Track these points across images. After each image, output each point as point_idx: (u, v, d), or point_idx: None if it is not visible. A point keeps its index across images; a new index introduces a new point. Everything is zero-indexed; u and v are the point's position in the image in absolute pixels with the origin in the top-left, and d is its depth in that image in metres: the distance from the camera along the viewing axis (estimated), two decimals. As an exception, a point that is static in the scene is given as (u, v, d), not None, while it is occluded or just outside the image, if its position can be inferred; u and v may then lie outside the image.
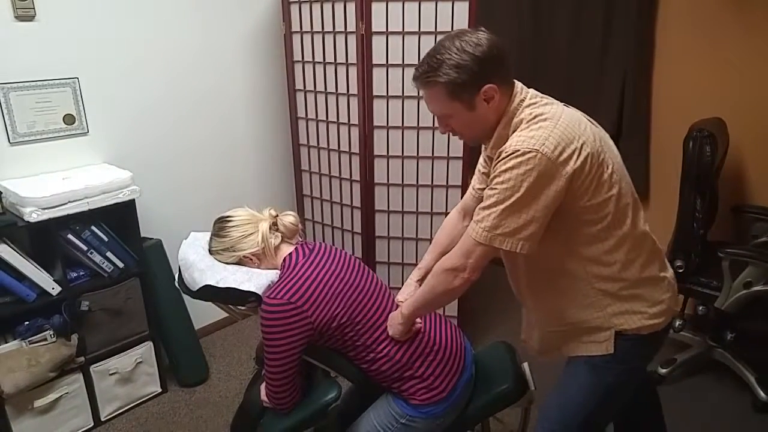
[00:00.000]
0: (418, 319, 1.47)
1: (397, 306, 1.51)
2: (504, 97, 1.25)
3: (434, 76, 1.21)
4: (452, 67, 1.19)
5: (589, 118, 1.32)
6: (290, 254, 1.48)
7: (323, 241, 2.90)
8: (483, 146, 1.44)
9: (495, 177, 1.20)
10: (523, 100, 1.26)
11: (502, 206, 1.18)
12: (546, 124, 1.19)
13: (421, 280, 1.57)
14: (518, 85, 1.28)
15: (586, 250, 1.27)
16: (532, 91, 1.30)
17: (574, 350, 1.37)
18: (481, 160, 1.50)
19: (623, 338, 1.30)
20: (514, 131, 1.24)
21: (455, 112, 1.25)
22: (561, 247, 1.28)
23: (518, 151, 1.16)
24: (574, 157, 1.17)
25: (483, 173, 1.50)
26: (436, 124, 2.36)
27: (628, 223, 1.26)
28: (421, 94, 1.32)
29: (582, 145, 1.19)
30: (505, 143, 1.23)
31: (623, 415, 1.70)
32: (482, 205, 1.22)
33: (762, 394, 2.22)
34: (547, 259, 1.30)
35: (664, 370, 2.40)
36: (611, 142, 1.31)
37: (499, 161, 1.20)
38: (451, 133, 1.32)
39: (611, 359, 1.32)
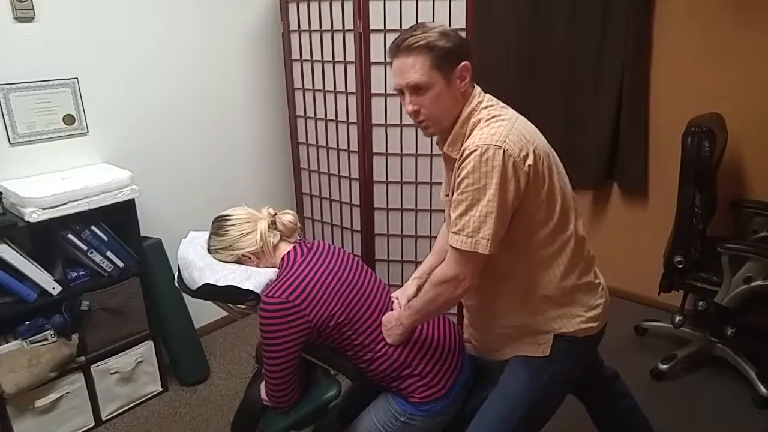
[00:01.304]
0: None
1: (391, 303, 1.52)
2: (470, 88, 1.31)
3: (424, 39, 1.24)
4: (440, 34, 1.25)
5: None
6: (288, 253, 1.48)
7: (323, 239, 2.90)
8: (439, 146, 1.42)
9: (462, 179, 1.22)
10: (480, 102, 1.31)
11: (478, 208, 1.20)
12: (505, 123, 1.24)
13: (419, 279, 1.57)
14: (477, 88, 1.34)
15: (534, 254, 1.31)
16: (488, 95, 1.35)
17: (513, 351, 1.41)
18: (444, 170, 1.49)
19: (560, 340, 1.34)
20: (472, 130, 1.27)
21: (434, 83, 1.26)
22: (511, 251, 1.30)
23: (482, 147, 1.19)
24: (531, 155, 1.22)
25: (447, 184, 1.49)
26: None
27: (571, 227, 1.32)
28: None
29: (536, 146, 1.24)
30: (461, 142, 1.27)
31: (600, 420, 1.72)
32: (457, 212, 1.23)
33: (762, 389, 2.22)
34: (496, 263, 1.31)
35: (664, 366, 2.40)
36: (555, 154, 1.35)
37: (463, 161, 1.22)
38: (414, 117, 1.31)
39: (546, 359, 1.35)
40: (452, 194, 1.28)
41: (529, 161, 1.21)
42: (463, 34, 1.28)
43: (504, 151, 1.18)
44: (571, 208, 1.33)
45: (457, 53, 1.25)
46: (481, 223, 1.20)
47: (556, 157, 1.34)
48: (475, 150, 1.19)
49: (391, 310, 1.50)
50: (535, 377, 1.37)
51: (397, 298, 1.54)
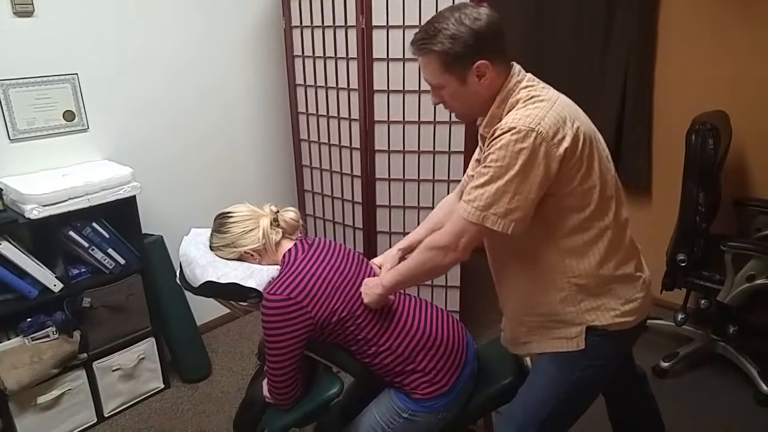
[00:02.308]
0: (415, 310, 1.49)
1: (369, 269, 1.54)
2: (499, 77, 1.25)
3: (429, 44, 1.22)
4: (448, 37, 1.20)
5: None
6: (290, 250, 1.48)
7: (325, 236, 2.90)
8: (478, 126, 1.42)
9: (489, 154, 1.19)
10: (519, 82, 1.26)
11: (495, 184, 1.17)
12: (543, 105, 1.20)
13: (404, 250, 1.57)
14: (516, 67, 1.29)
15: (568, 240, 1.27)
16: (529, 75, 1.30)
17: (544, 347, 1.37)
18: (476, 151, 1.49)
19: (591, 333, 1.30)
20: (510, 111, 1.24)
21: (447, 84, 1.26)
22: (543, 236, 1.27)
23: (514, 128, 1.16)
24: (568, 138, 1.18)
25: (476, 160, 1.48)
26: (438, 119, 2.39)
27: (610, 215, 1.27)
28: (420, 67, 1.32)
29: (577, 128, 1.20)
30: (498, 122, 1.23)
31: (618, 417, 1.70)
32: (475, 183, 1.21)
33: (764, 387, 2.22)
34: (528, 247, 1.30)
35: (666, 364, 2.40)
36: (600, 137, 1.32)
37: (494, 138, 1.19)
38: (442, 105, 1.32)
39: (575, 354, 1.31)
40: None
41: (565, 144, 1.17)
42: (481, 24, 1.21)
43: (537, 134, 1.15)
44: (612, 195, 1.27)
45: (468, 55, 1.20)
46: (495, 200, 1.18)
47: (601, 142, 1.30)
48: (507, 130, 1.17)
49: (395, 303, 1.49)
50: (565, 372, 1.33)
51: (379, 266, 1.54)
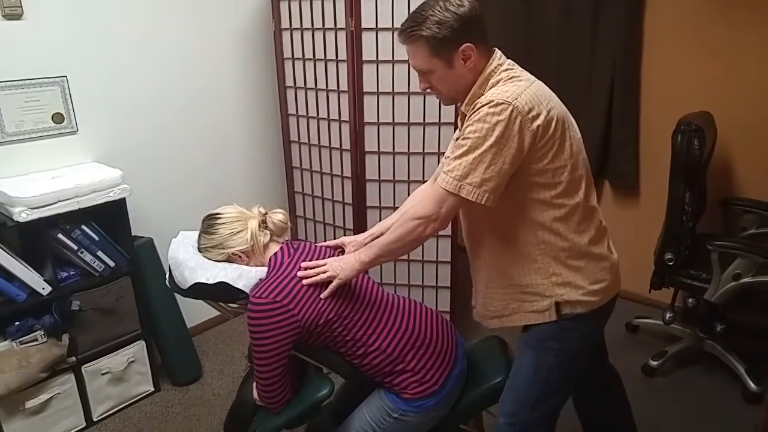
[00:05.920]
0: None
1: (333, 249, 1.57)
2: (481, 59, 1.33)
3: (417, 31, 1.29)
4: (435, 23, 1.27)
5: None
6: (276, 253, 1.48)
7: (315, 237, 2.90)
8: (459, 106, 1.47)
9: (467, 127, 1.26)
10: (500, 65, 1.34)
11: (472, 155, 1.24)
12: (521, 83, 1.28)
13: (373, 236, 1.57)
14: (498, 52, 1.36)
15: (539, 215, 1.33)
16: (510, 60, 1.37)
17: (518, 320, 1.43)
18: (456, 131, 1.52)
19: (562, 318, 1.36)
20: (490, 90, 1.30)
21: (435, 68, 1.32)
22: (516, 210, 1.33)
23: (492, 102, 1.23)
24: (542, 115, 1.24)
25: (455, 139, 1.50)
26: (427, 120, 2.40)
27: (580, 194, 1.33)
28: (410, 62, 1.39)
29: (551, 109, 1.27)
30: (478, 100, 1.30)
31: (589, 410, 1.73)
32: (453, 155, 1.27)
33: (752, 384, 2.24)
34: (503, 221, 1.35)
35: (655, 363, 2.42)
36: (574, 122, 1.37)
37: (473, 112, 1.26)
38: (429, 91, 1.39)
39: (550, 339, 1.38)
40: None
41: (539, 122, 1.23)
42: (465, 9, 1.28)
43: (513, 107, 1.21)
44: (582, 177, 1.34)
45: (454, 38, 1.27)
46: (471, 170, 1.24)
47: (574, 125, 1.36)
48: (486, 103, 1.24)
49: (384, 303, 1.50)
50: (541, 358, 1.40)
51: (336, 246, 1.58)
